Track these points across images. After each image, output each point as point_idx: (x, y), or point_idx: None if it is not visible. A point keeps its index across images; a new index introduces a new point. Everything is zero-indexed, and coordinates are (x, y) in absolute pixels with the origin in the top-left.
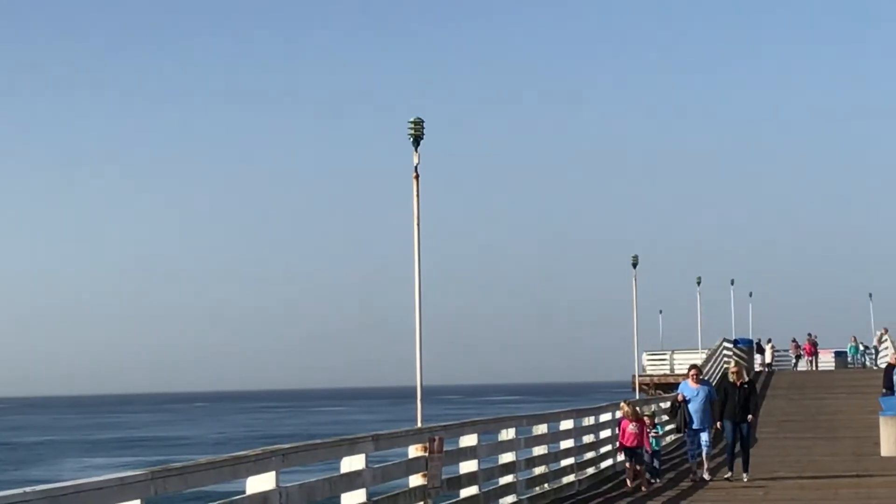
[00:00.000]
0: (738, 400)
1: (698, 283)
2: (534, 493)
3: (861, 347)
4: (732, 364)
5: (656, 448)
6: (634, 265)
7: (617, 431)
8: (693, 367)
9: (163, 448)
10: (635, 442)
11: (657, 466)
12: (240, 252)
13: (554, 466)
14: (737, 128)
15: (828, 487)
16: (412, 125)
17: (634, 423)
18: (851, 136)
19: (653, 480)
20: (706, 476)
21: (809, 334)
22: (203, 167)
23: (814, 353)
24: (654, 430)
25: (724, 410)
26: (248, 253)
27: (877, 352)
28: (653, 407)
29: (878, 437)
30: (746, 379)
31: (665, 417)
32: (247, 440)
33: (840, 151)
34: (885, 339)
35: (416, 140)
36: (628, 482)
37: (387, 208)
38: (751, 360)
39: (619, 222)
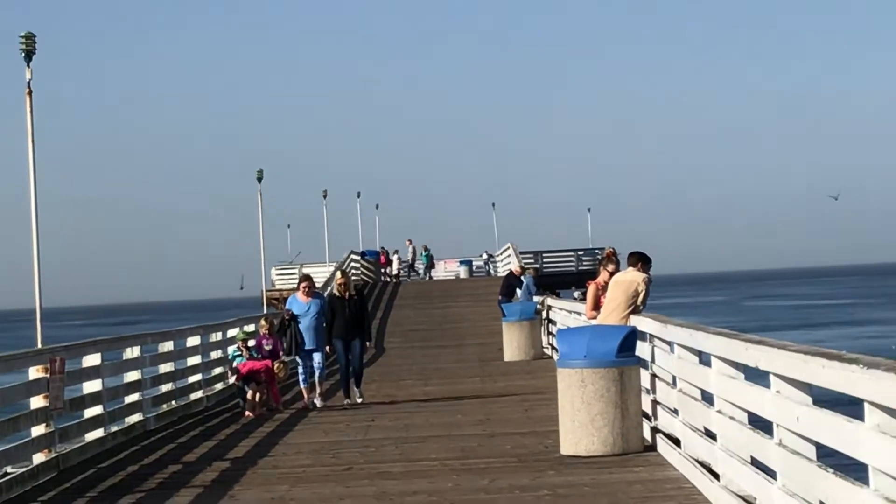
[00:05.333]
0: (347, 316)
1: (324, 197)
2: (161, 411)
3: (486, 256)
4: (338, 275)
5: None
6: (259, 179)
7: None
8: (305, 277)
9: None
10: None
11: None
12: None
13: (181, 384)
14: (356, 38)
15: (453, 395)
16: (24, 40)
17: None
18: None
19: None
20: (318, 402)
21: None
22: None
23: (409, 264)
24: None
25: (334, 328)
26: None
27: (411, 265)
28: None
29: (501, 342)
30: (354, 292)
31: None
32: None
33: (455, 68)
34: (412, 249)
35: (29, 56)
36: (251, 411)
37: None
38: (377, 271)
39: (243, 134)
